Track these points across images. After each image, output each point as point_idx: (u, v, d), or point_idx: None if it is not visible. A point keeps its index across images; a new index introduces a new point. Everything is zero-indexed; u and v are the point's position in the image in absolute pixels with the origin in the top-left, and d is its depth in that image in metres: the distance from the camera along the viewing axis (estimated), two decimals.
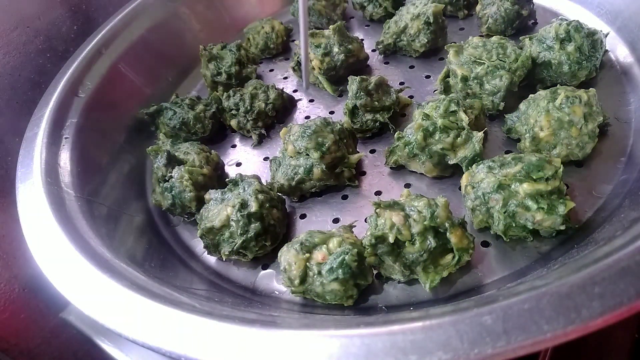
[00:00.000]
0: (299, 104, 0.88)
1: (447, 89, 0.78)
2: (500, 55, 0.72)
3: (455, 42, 0.76)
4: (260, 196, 0.63)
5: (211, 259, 0.68)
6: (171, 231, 0.74)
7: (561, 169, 0.56)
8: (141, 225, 0.73)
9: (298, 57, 0.88)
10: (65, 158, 0.71)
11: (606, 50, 0.76)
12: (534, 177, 0.56)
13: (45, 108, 0.76)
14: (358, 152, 0.74)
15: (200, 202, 0.68)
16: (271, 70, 0.98)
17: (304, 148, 0.68)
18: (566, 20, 0.73)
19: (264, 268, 0.66)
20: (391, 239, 0.54)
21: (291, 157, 0.69)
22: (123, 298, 0.50)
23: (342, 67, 0.85)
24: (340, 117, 0.78)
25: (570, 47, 0.71)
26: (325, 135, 0.68)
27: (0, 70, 0.81)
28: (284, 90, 0.88)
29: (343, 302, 0.56)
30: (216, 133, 0.86)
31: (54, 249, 0.57)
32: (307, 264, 0.56)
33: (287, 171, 0.69)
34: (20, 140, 0.72)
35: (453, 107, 0.66)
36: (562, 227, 0.55)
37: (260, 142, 0.83)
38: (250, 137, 0.84)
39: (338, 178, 0.70)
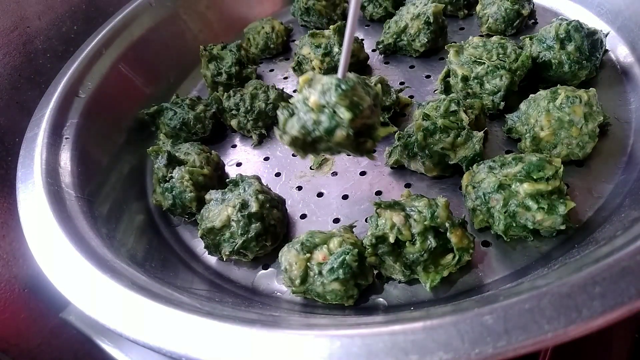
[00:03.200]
0: None
1: (447, 89, 0.78)
2: (501, 55, 0.72)
3: (455, 42, 0.76)
4: (260, 196, 0.63)
5: (212, 259, 0.68)
6: (172, 231, 0.74)
7: (561, 169, 0.56)
8: (142, 226, 0.73)
9: (298, 57, 0.88)
10: (65, 158, 0.71)
11: (606, 50, 0.76)
12: (535, 177, 0.56)
13: (46, 108, 0.75)
14: (388, 125, 0.65)
15: (201, 202, 0.68)
16: (271, 71, 0.98)
17: (332, 103, 0.54)
18: (566, 20, 0.73)
19: (265, 268, 0.66)
20: (392, 239, 0.54)
21: (312, 109, 0.55)
22: (123, 298, 0.50)
23: None
24: None
25: (570, 47, 0.71)
26: (362, 96, 0.55)
27: (0, 70, 0.81)
28: (284, 90, 0.87)
29: (344, 302, 0.57)
30: (216, 133, 0.86)
31: (54, 249, 0.57)
32: (308, 264, 0.56)
33: (306, 124, 0.55)
34: (20, 141, 0.72)
35: (453, 107, 0.66)
36: (563, 227, 0.55)
37: (260, 142, 0.83)
38: (251, 137, 0.84)
39: (358, 148, 0.58)
